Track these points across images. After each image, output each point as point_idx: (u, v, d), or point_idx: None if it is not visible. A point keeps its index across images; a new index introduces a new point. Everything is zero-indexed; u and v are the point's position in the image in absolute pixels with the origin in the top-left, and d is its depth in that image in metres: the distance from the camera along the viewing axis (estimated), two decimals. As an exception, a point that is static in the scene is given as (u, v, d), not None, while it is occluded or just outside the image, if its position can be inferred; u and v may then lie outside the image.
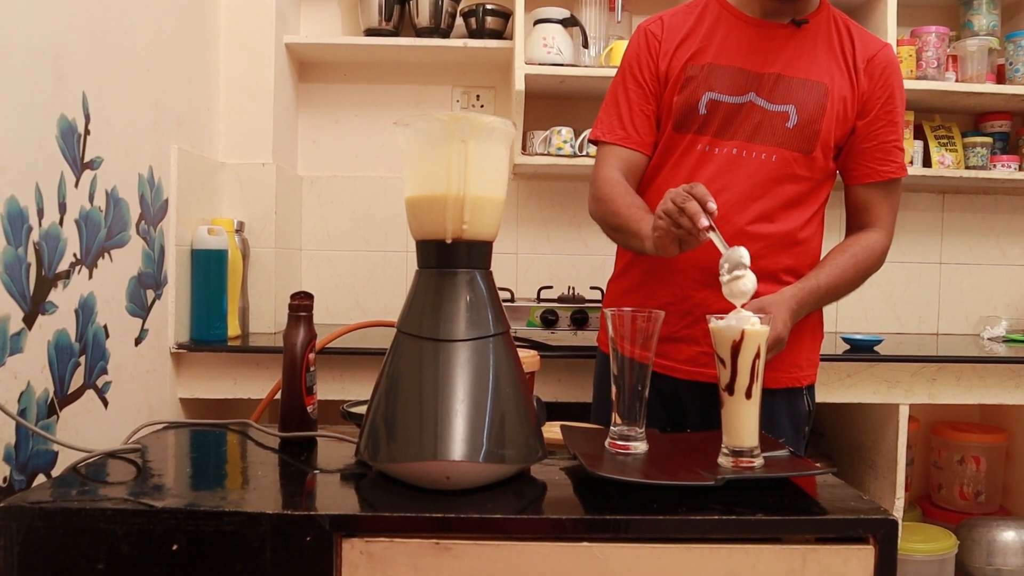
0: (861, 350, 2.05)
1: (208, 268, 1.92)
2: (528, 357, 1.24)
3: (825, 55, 1.43)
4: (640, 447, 1.06)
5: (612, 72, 1.61)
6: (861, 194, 1.49)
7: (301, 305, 1.20)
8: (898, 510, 2.00)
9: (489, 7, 2.35)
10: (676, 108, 1.45)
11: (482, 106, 2.56)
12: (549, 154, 2.33)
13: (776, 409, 1.44)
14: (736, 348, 0.98)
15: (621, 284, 1.56)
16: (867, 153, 1.46)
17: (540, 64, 2.25)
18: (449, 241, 0.97)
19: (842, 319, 2.63)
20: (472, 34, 2.38)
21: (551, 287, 2.36)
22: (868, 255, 1.46)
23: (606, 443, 1.08)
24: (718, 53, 1.44)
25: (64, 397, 1.37)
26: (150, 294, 1.72)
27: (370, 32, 2.38)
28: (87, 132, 1.43)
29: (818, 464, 1.06)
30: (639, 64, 1.50)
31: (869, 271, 1.47)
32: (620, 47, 2.25)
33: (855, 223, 1.52)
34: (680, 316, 1.43)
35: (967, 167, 2.46)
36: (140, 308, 1.67)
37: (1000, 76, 2.43)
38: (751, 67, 1.42)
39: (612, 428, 1.07)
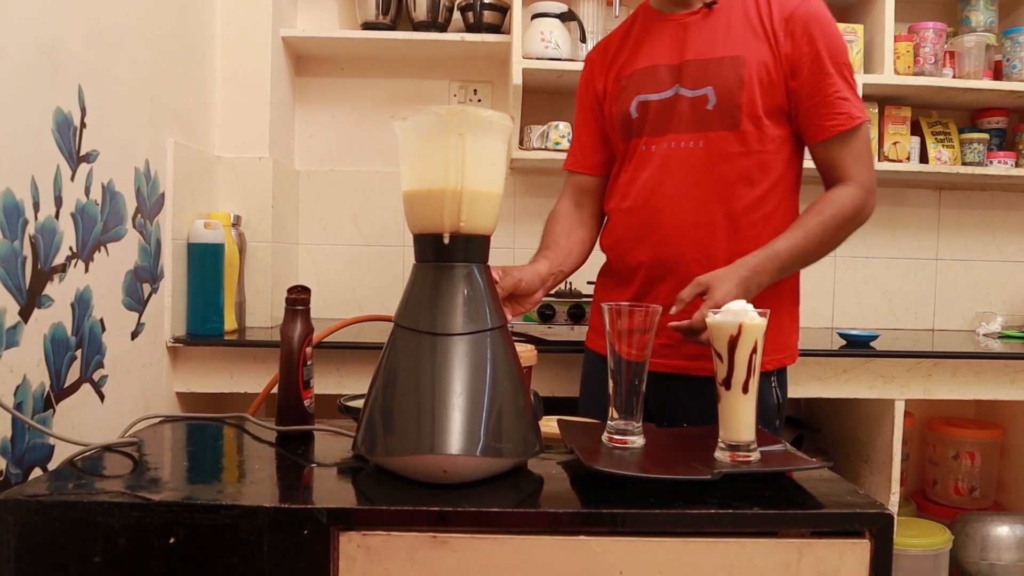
0: (857, 345, 2.06)
1: (204, 262, 1.92)
2: (525, 351, 1.24)
3: (740, 27, 1.42)
4: (637, 441, 1.06)
5: (610, 67, 1.61)
6: (821, 152, 1.44)
7: (298, 299, 1.20)
8: (893, 505, 2.00)
9: (487, 1, 2.34)
10: (614, 119, 1.51)
11: (479, 100, 2.55)
12: (546, 148, 2.33)
13: None
14: (733, 342, 0.99)
15: (600, 281, 1.64)
16: (811, 112, 1.41)
17: (538, 59, 2.25)
18: (447, 236, 0.97)
19: (838, 315, 2.64)
20: (469, 28, 2.37)
21: (548, 282, 2.36)
22: (837, 212, 1.38)
23: (603, 437, 1.08)
24: (645, 56, 1.48)
25: (60, 391, 1.37)
26: (146, 288, 1.72)
27: (367, 26, 2.37)
28: (83, 125, 1.42)
29: (814, 459, 1.07)
30: (584, 90, 1.60)
31: (842, 228, 1.39)
32: (618, 42, 2.24)
33: (827, 182, 1.46)
34: None
35: (964, 163, 2.46)
36: (136, 302, 1.67)
37: (997, 72, 2.43)
38: (672, 60, 1.45)
39: (609, 422, 1.08)
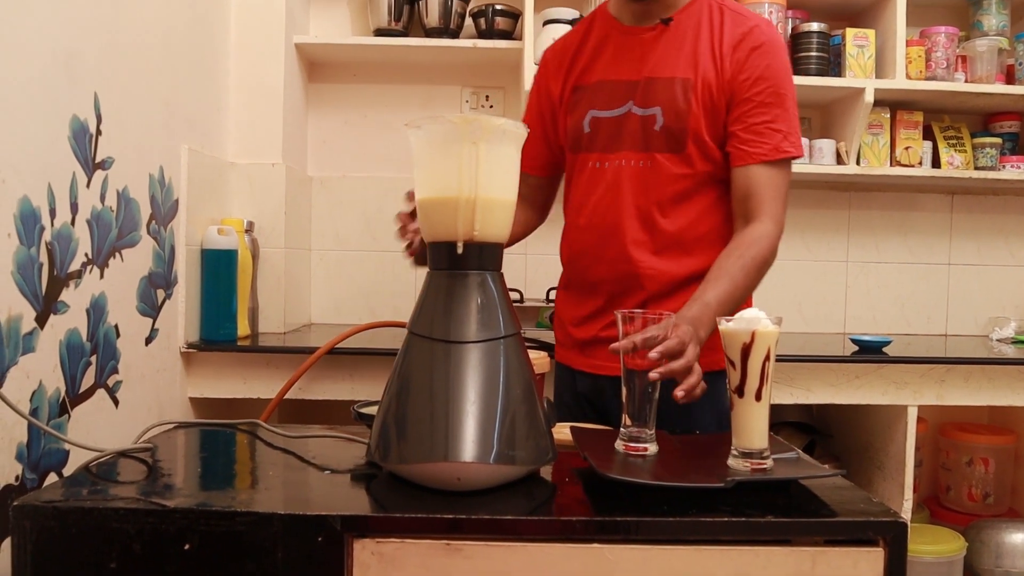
0: (869, 351, 2.05)
1: (218, 268, 1.93)
2: (538, 358, 1.25)
3: (693, 48, 1.40)
4: (650, 448, 1.06)
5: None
6: (739, 178, 1.40)
7: None
8: (906, 512, 1.99)
9: (498, 7, 2.35)
10: (567, 131, 1.50)
11: (491, 106, 2.56)
12: (557, 154, 2.33)
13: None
14: (746, 350, 0.98)
15: (561, 295, 1.63)
16: (736, 136, 1.39)
17: (549, 64, 2.25)
18: (460, 244, 0.97)
19: (850, 320, 2.63)
20: (481, 34, 2.38)
21: (559, 287, 2.36)
22: (757, 254, 1.34)
23: (616, 445, 1.08)
24: (604, 69, 1.47)
25: (75, 396, 1.38)
26: (160, 294, 1.73)
27: (379, 32, 2.38)
28: (99, 132, 1.44)
29: (826, 466, 1.06)
30: (536, 89, 1.58)
31: (761, 270, 1.36)
32: (629, 47, 2.24)
33: (740, 212, 1.41)
34: (601, 320, 1.48)
35: (976, 168, 2.45)
36: (150, 308, 1.68)
37: (1010, 76, 2.42)
38: (628, 76, 1.43)
39: (622, 430, 1.08)
